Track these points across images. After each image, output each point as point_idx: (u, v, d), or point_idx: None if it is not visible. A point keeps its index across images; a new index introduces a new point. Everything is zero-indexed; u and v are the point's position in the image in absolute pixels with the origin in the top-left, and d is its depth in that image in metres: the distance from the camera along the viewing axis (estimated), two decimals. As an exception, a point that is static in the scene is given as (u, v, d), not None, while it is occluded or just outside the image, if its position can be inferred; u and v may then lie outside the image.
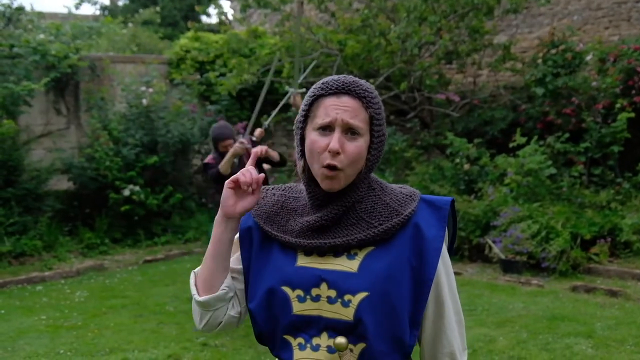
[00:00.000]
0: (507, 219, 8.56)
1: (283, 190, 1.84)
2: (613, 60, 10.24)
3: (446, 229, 1.70)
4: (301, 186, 1.79)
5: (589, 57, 10.46)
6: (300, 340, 1.66)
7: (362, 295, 1.60)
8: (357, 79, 1.69)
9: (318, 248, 1.66)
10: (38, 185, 10.11)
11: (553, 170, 8.95)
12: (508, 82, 12.17)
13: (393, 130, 11.45)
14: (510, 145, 9.71)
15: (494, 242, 8.62)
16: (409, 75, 11.28)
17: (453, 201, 1.73)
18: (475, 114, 11.63)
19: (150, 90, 11.32)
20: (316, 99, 1.67)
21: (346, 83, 1.65)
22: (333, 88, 1.65)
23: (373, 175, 1.76)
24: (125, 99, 11.39)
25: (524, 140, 9.51)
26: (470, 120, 11.56)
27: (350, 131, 1.63)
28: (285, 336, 1.68)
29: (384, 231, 1.64)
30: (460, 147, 9.97)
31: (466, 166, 9.92)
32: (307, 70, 9.76)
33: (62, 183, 10.79)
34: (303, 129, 1.70)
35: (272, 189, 1.85)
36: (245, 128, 12.51)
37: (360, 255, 1.65)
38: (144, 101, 11.13)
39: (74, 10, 21.66)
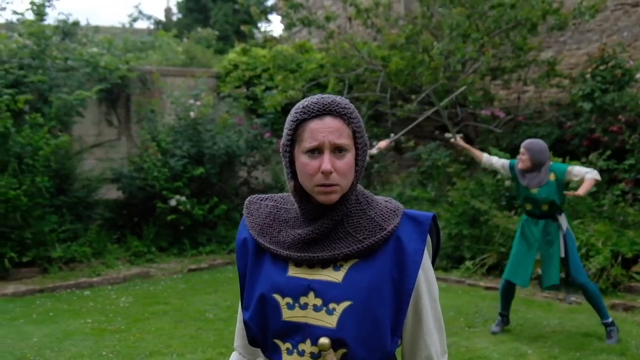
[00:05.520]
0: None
1: (275, 201, 1.95)
2: (662, 78, 10.15)
3: (427, 243, 1.80)
4: (292, 197, 1.89)
5: (639, 75, 10.36)
6: (288, 345, 1.79)
7: (345, 304, 1.72)
8: (334, 97, 1.79)
9: (308, 261, 1.79)
10: (89, 194, 10.46)
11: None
12: (554, 98, 12.12)
13: (436, 145, 11.51)
14: None
15: (533, 258, 8.60)
16: (452, 91, 11.33)
17: (435, 216, 1.83)
18: (520, 130, 11.60)
19: (198, 103, 11.61)
20: (300, 123, 1.77)
21: (326, 104, 1.75)
22: (315, 111, 1.75)
23: (360, 187, 1.87)
24: (174, 111, 11.70)
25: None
26: (515, 136, 11.54)
27: (337, 149, 1.74)
28: (276, 340, 1.81)
29: (367, 246, 1.76)
30: (502, 163, 9.98)
31: (508, 182, 9.91)
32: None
33: (111, 192, 11.13)
34: (291, 152, 1.80)
35: (265, 199, 1.96)
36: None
37: (345, 267, 1.77)
38: (192, 114, 11.41)
39: (127, 26, 22.36)
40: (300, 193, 1.82)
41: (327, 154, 1.73)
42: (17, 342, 6.46)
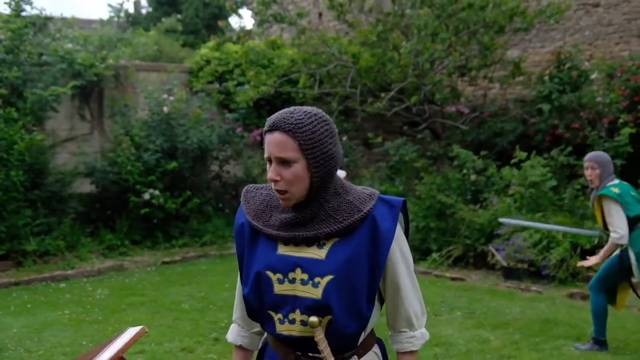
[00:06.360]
0: (510, 228, 8.91)
1: (269, 189, 2.22)
2: (620, 76, 10.56)
3: (400, 221, 2.10)
4: None
5: (594, 75, 10.80)
6: (280, 316, 2.08)
7: (328, 277, 2.01)
8: (294, 111, 2.03)
9: (294, 239, 2.07)
10: (62, 188, 10.55)
11: (554, 183, 9.30)
12: (519, 95, 12.49)
13: (404, 141, 11.80)
14: (512, 161, 10.06)
15: (497, 250, 8.98)
16: (420, 88, 11.63)
17: (405, 201, 2.13)
18: (485, 126, 11.96)
19: (172, 98, 11.74)
20: (264, 135, 2.05)
21: (277, 121, 2.00)
22: (269, 126, 2.02)
23: (340, 179, 2.14)
24: (147, 106, 11.80)
25: (524, 155, 9.87)
26: (481, 132, 11.90)
27: (282, 161, 2.00)
28: (269, 312, 2.10)
29: (346, 226, 2.04)
30: (466, 159, 10.32)
31: (473, 177, 10.26)
32: None
33: (85, 186, 11.21)
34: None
35: (261, 188, 2.25)
36: (261, 135, 12.98)
37: (328, 245, 2.05)
38: (165, 108, 11.53)
39: (105, 17, 22.35)
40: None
41: (274, 164, 2.02)
42: (-3, 333, 6.62)
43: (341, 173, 7.60)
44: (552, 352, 5.69)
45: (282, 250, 2.09)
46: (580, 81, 10.73)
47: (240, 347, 2.32)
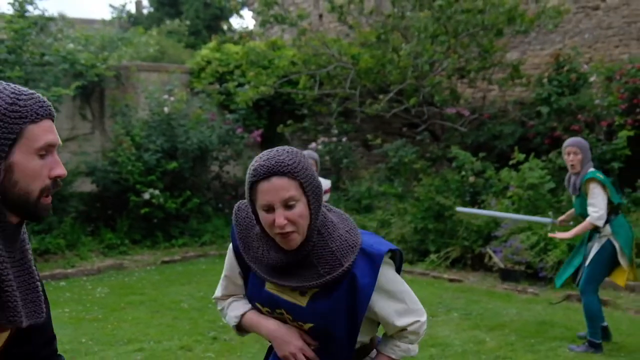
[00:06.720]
0: (507, 230, 8.97)
1: None
2: (619, 79, 10.61)
3: (385, 267, 2.12)
4: None
5: (593, 78, 10.85)
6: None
7: (309, 325, 2.13)
8: (280, 155, 2.01)
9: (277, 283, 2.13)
10: (63, 187, 10.59)
11: (552, 185, 9.35)
12: (518, 97, 12.54)
13: (403, 142, 11.86)
14: (510, 162, 10.11)
15: (494, 252, 9.03)
16: (419, 90, 11.68)
17: (388, 251, 2.13)
18: (485, 128, 12.01)
19: (172, 98, 11.80)
20: (252, 185, 2.02)
21: (271, 167, 1.98)
22: (262, 173, 1.98)
23: (322, 217, 2.13)
24: (148, 106, 11.87)
25: (522, 156, 9.92)
26: (480, 134, 11.95)
27: (287, 204, 1.99)
28: None
29: (327, 281, 2.06)
30: (465, 161, 10.38)
31: (472, 178, 10.32)
32: None
33: (85, 185, 11.27)
34: (253, 206, 2.07)
35: None
36: (261, 136, 13.06)
37: (309, 293, 2.11)
38: (166, 109, 11.59)
39: (107, 17, 22.42)
40: (267, 235, 2.11)
41: (279, 209, 1.99)
42: (-3, 330, 6.66)
43: (325, 182, 7.54)
44: (547, 354, 5.75)
45: (269, 287, 2.16)
46: (579, 84, 10.79)
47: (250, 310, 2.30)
